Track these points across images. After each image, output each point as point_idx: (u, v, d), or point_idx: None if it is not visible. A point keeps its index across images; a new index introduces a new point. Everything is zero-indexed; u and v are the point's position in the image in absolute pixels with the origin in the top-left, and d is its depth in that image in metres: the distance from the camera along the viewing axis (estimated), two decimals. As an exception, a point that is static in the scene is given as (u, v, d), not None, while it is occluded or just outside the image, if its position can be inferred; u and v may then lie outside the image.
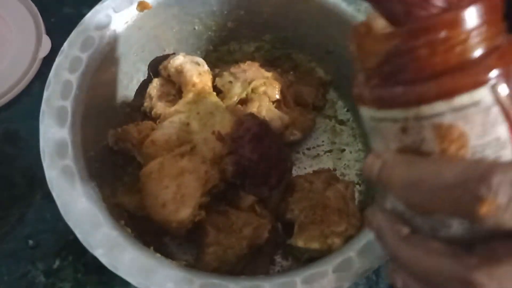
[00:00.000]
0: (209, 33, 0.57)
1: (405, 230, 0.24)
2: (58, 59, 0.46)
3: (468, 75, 0.21)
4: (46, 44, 0.62)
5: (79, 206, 0.42)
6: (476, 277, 0.20)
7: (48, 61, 0.62)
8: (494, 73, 0.21)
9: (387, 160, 0.24)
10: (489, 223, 0.20)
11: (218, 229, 0.47)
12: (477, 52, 0.22)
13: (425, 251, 0.23)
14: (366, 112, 0.25)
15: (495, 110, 0.21)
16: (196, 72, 0.52)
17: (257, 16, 0.55)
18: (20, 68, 0.61)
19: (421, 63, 0.22)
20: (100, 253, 0.40)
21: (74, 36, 0.47)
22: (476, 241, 0.22)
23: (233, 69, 0.54)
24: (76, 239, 0.40)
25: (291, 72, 0.59)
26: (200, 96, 0.51)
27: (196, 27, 0.55)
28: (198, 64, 0.53)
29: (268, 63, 0.59)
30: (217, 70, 0.57)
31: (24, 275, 0.54)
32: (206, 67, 0.54)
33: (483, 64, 0.22)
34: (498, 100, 0.21)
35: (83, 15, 0.48)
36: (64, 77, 0.46)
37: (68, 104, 0.45)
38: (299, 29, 0.56)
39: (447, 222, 0.23)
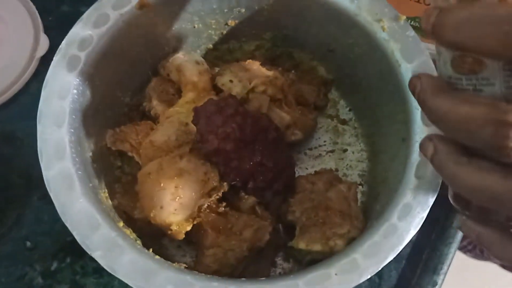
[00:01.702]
0: (209, 31, 0.56)
1: (448, 86, 0.25)
2: (55, 58, 0.45)
3: None
4: (44, 43, 0.61)
5: (77, 207, 0.41)
6: (510, 118, 0.21)
7: (46, 60, 0.61)
8: None
9: (444, 7, 0.24)
10: None
11: (218, 231, 0.46)
12: None
13: (464, 100, 0.24)
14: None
15: None
16: (196, 71, 0.51)
17: (257, 14, 0.54)
18: (17, 67, 0.60)
19: None
20: (98, 255, 0.39)
21: (72, 35, 0.46)
22: None
23: (233, 68, 0.54)
24: (74, 241, 0.39)
25: (292, 71, 0.58)
26: (200, 95, 0.50)
27: (196, 25, 0.55)
28: (197, 63, 0.52)
29: (269, 62, 0.58)
30: (217, 69, 0.56)
31: (22, 277, 0.53)
32: (206, 66, 0.53)
33: None
34: None
35: (82, 13, 0.47)
36: (62, 77, 0.45)
37: (65, 104, 0.44)
38: (300, 27, 0.55)
39: (491, 79, 0.24)
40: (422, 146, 0.28)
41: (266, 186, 0.48)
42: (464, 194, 0.26)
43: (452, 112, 0.24)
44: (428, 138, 0.27)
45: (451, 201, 0.30)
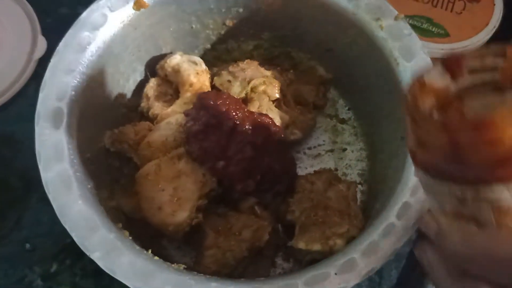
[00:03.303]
0: (207, 31, 0.56)
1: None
2: (53, 60, 0.45)
3: None
4: (42, 45, 0.61)
5: (76, 209, 0.41)
6: None
7: (44, 62, 0.61)
8: None
9: (443, 225, 0.25)
10: None
11: (217, 231, 0.46)
12: None
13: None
14: (422, 176, 0.26)
15: None
16: (194, 71, 0.51)
17: (255, 14, 0.54)
18: (15, 69, 0.60)
19: (482, 154, 0.22)
20: (97, 257, 0.39)
21: (69, 37, 0.46)
22: None
23: (231, 68, 0.53)
24: (73, 243, 0.39)
25: (291, 71, 0.58)
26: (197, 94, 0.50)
27: (194, 26, 0.55)
28: (195, 63, 0.52)
29: (267, 62, 0.58)
30: (215, 69, 0.56)
31: (21, 279, 0.53)
32: (203, 67, 0.53)
33: None
34: None
35: (80, 15, 0.47)
36: (59, 78, 0.45)
37: (63, 105, 0.44)
38: (298, 26, 0.55)
39: None
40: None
41: (268, 188, 0.48)
42: None
43: None
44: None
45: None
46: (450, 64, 0.25)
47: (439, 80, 0.25)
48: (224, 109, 0.45)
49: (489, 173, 0.22)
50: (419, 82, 0.25)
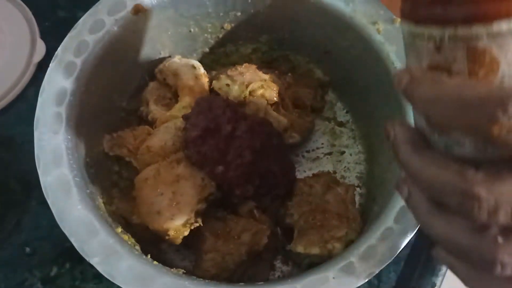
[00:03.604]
0: (205, 35, 0.56)
1: (420, 142, 0.26)
2: (52, 65, 0.46)
3: (510, 2, 0.21)
4: (41, 49, 0.61)
5: (75, 214, 0.41)
6: (476, 190, 0.22)
7: (43, 66, 0.61)
8: None
9: (415, 75, 0.24)
10: (499, 142, 0.21)
11: (216, 235, 0.46)
12: None
13: (434, 162, 0.24)
14: (405, 26, 0.25)
15: None
16: (192, 75, 0.51)
17: (253, 17, 0.54)
18: (14, 73, 0.60)
19: None
20: (96, 262, 0.39)
21: (68, 41, 0.46)
22: (485, 161, 0.23)
23: (230, 72, 0.54)
24: (73, 246, 0.40)
25: (289, 74, 0.58)
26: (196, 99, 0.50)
27: (192, 29, 0.55)
28: (194, 67, 0.52)
29: (266, 65, 0.58)
30: (213, 73, 0.56)
31: (21, 283, 0.53)
32: (202, 70, 0.53)
33: None
34: None
35: (78, 18, 0.48)
36: (58, 83, 0.45)
37: (62, 110, 0.44)
38: (296, 30, 0.55)
39: (461, 141, 0.24)
40: (397, 188, 0.28)
41: (267, 191, 0.48)
42: (434, 241, 0.26)
43: (422, 173, 0.25)
44: (403, 180, 0.27)
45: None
46: None
47: None
48: (222, 114, 0.45)
49: (471, 8, 0.21)
50: None
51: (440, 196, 0.24)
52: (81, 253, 0.40)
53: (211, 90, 0.54)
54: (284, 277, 0.51)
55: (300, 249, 0.46)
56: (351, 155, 0.57)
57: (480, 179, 0.22)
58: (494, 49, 0.22)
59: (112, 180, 0.51)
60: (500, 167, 0.22)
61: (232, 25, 0.55)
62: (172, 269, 0.41)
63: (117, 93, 0.53)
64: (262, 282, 0.43)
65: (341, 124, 0.59)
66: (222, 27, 0.55)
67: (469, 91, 0.22)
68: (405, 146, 0.26)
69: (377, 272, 0.39)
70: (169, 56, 0.55)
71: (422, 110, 0.24)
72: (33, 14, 0.64)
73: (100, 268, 0.39)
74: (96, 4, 0.48)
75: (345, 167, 0.57)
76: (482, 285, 0.25)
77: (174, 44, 0.56)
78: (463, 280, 0.26)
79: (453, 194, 0.23)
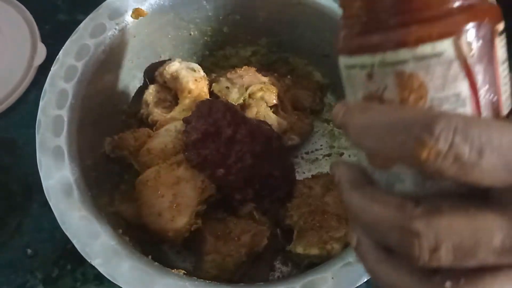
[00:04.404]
0: (205, 38, 0.57)
1: (362, 180, 0.25)
2: (53, 68, 0.46)
3: (434, 25, 0.21)
4: (42, 52, 0.62)
5: (77, 216, 0.41)
6: (415, 225, 0.21)
7: (44, 69, 0.61)
8: (460, 27, 0.21)
9: (349, 106, 0.24)
10: (430, 168, 0.20)
11: (217, 236, 0.46)
12: (450, 5, 0.22)
13: (374, 199, 0.23)
14: (341, 60, 0.25)
15: (456, 65, 0.22)
16: (192, 78, 0.52)
17: (252, 21, 0.55)
18: (15, 76, 0.61)
19: (398, 5, 0.22)
20: (98, 263, 0.40)
21: (69, 45, 0.47)
22: (426, 197, 0.22)
23: (229, 75, 0.54)
24: (74, 248, 0.40)
25: (288, 76, 0.59)
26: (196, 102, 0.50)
27: (192, 33, 0.55)
28: (194, 70, 0.53)
29: (265, 68, 0.58)
30: (213, 75, 0.57)
31: (23, 284, 0.54)
32: (202, 73, 0.54)
33: (452, 17, 0.21)
34: (460, 56, 0.21)
35: (79, 21, 0.48)
36: (60, 86, 0.45)
37: (64, 113, 0.45)
38: (295, 32, 0.56)
39: (401, 176, 0.23)
40: (348, 236, 0.27)
41: (268, 194, 0.49)
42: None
43: (363, 212, 0.23)
44: (353, 227, 0.26)
45: None
46: None
47: None
48: (222, 117, 0.45)
49: (397, 34, 0.22)
50: None
51: (382, 237, 0.23)
52: (83, 254, 0.40)
53: (211, 92, 0.54)
54: (284, 278, 0.51)
55: (299, 250, 0.46)
56: (350, 156, 0.58)
57: (418, 213, 0.21)
58: (421, 73, 0.22)
59: (113, 182, 0.51)
60: (440, 202, 0.21)
61: (232, 28, 0.56)
62: (173, 270, 0.41)
63: (118, 96, 0.53)
64: (262, 283, 0.43)
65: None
66: (222, 30, 0.56)
67: (396, 115, 0.21)
68: (347, 185, 0.25)
69: (375, 273, 0.40)
70: (169, 59, 0.56)
71: (356, 141, 0.23)
72: (34, 17, 0.64)
73: (101, 270, 0.39)
74: (97, 8, 0.48)
75: (344, 168, 0.57)
76: None
77: (174, 47, 0.56)
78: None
79: (393, 231, 0.22)
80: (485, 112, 0.22)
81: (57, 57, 0.46)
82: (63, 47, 0.47)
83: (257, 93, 0.52)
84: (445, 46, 0.21)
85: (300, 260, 0.48)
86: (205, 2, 0.52)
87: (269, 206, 0.49)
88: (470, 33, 0.21)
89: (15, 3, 0.65)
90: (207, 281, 0.42)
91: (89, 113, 0.47)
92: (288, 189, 0.51)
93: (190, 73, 0.52)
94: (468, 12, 0.21)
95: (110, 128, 0.52)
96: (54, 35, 0.64)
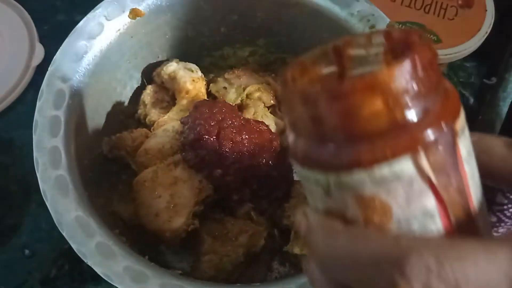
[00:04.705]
0: (202, 38, 0.57)
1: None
2: (50, 69, 0.46)
3: (387, 143, 0.19)
4: (40, 52, 0.62)
5: (73, 216, 0.41)
6: None
7: (42, 69, 0.62)
8: (416, 141, 0.19)
9: (310, 222, 0.22)
10: None
11: (214, 237, 0.46)
12: (402, 116, 0.19)
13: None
14: (294, 166, 0.23)
15: (419, 181, 0.19)
16: (190, 78, 0.52)
17: (250, 21, 0.55)
18: (13, 76, 0.61)
19: (345, 123, 0.19)
20: (94, 263, 0.40)
21: (66, 45, 0.47)
22: None
23: (227, 75, 0.54)
24: (72, 248, 0.40)
25: (286, 77, 0.59)
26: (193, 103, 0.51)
27: (189, 33, 0.55)
28: (191, 70, 0.53)
29: (263, 68, 0.58)
30: (211, 76, 0.57)
31: (21, 284, 0.54)
32: (199, 74, 0.54)
33: (407, 130, 0.19)
34: (420, 171, 0.19)
35: (77, 22, 0.48)
36: (57, 87, 0.45)
37: (61, 113, 0.45)
38: (293, 33, 0.55)
39: None
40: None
41: (266, 194, 0.49)
42: None
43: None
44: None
45: None
46: (334, 52, 0.23)
47: (320, 66, 0.23)
48: (220, 118, 0.45)
49: (347, 152, 0.19)
50: (298, 63, 0.23)
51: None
52: (79, 254, 0.40)
53: (209, 93, 0.54)
54: (281, 278, 0.51)
55: (297, 250, 0.46)
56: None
57: None
58: (382, 194, 0.19)
59: (111, 182, 0.51)
60: None
61: (229, 28, 0.56)
62: (169, 270, 0.41)
63: (116, 96, 0.53)
64: (259, 283, 0.43)
65: (337, 126, 0.59)
66: (219, 31, 0.56)
67: (363, 247, 0.19)
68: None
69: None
70: (167, 60, 0.56)
71: (320, 265, 0.22)
72: (32, 18, 0.64)
73: (98, 270, 0.39)
74: (94, 8, 0.48)
75: (341, 168, 0.57)
76: None
77: (172, 48, 0.56)
78: None
79: None
80: (456, 222, 0.20)
81: (54, 57, 0.46)
82: (60, 48, 0.47)
83: (254, 93, 0.53)
84: (403, 164, 0.19)
85: (298, 261, 0.48)
86: (202, 2, 0.52)
87: (267, 206, 0.49)
88: (429, 144, 0.19)
89: (13, 3, 0.65)
90: (204, 282, 0.42)
91: (86, 113, 0.48)
92: (286, 189, 0.51)
93: (188, 73, 0.52)
94: (423, 122, 0.19)
95: (107, 128, 0.52)
96: (53, 36, 0.64)
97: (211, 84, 0.54)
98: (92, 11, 0.48)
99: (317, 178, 0.21)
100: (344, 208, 0.21)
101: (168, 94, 0.55)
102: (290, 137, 0.22)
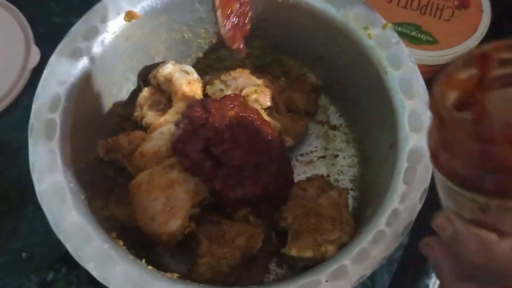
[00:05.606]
0: (199, 40, 0.56)
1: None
2: (45, 72, 0.46)
3: None
4: (35, 55, 0.62)
5: (70, 220, 0.41)
6: None
7: (38, 72, 0.61)
8: None
9: (460, 230, 0.24)
10: None
11: (211, 239, 0.46)
12: None
13: None
14: (444, 179, 0.25)
15: None
16: (186, 81, 0.52)
17: (246, 23, 0.55)
18: (9, 79, 0.61)
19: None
20: (91, 267, 0.40)
21: (62, 48, 0.47)
22: None
23: (223, 77, 0.54)
24: (69, 252, 0.40)
25: (282, 78, 0.59)
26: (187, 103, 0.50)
27: (185, 35, 0.55)
28: (187, 72, 0.53)
29: (259, 70, 0.58)
30: (207, 77, 0.57)
31: (19, 287, 0.54)
32: (195, 76, 0.54)
33: None
34: None
35: (72, 24, 0.48)
36: (52, 90, 0.45)
37: (56, 116, 0.45)
38: (289, 35, 0.55)
39: None
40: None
41: (265, 201, 0.49)
42: None
43: None
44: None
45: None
46: (480, 56, 0.24)
47: (465, 71, 0.24)
48: (218, 118, 0.45)
49: None
50: (446, 75, 0.24)
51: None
52: (76, 258, 0.40)
53: (205, 95, 0.54)
54: (279, 280, 0.51)
55: (294, 252, 0.46)
56: (344, 158, 0.58)
57: None
58: None
59: (107, 185, 0.51)
60: None
61: (225, 30, 0.56)
62: (166, 274, 0.41)
63: (112, 99, 0.53)
64: (256, 286, 0.43)
65: (334, 128, 0.59)
66: (216, 33, 0.56)
67: None
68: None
69: (368, 275, 0.40)
70: (163, 62, 0.56)
71: (465, 266, 0.24)
72: (28, 20, 0.64)
73: (95, 273, 0.39)
74: (89, 11, 0.48)
75: (338, 170, 0.57)
76: None
77: (168, 50, 0.56)
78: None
79: None
80: None
81: (49, 60, 0.46)
82: (55, 50, 0.47)
83: (251, 95, 0.52)
84: None
85: (295, 263, 0.48)
86: (198, 4, 0.52)
87: (265, 210, 0.49)
88: None
89: (8, 5, 0.65)
90: (201, 284, 0.42)
91: (82, 116, 0.47)
92: (285, 194, 0.51)
93: (184, 75, 0.52)
94: None
95: (103, 131, 0.52)
96: (48, 38, 0.63)
97: (207, 86, 0.54)
98: (87, 13, 0.48)
99: (475, 198, 0.23)
100: (499, 222, 0.23)
101: (165, 96, 0.54)
102: (442, 152, 0.24)
